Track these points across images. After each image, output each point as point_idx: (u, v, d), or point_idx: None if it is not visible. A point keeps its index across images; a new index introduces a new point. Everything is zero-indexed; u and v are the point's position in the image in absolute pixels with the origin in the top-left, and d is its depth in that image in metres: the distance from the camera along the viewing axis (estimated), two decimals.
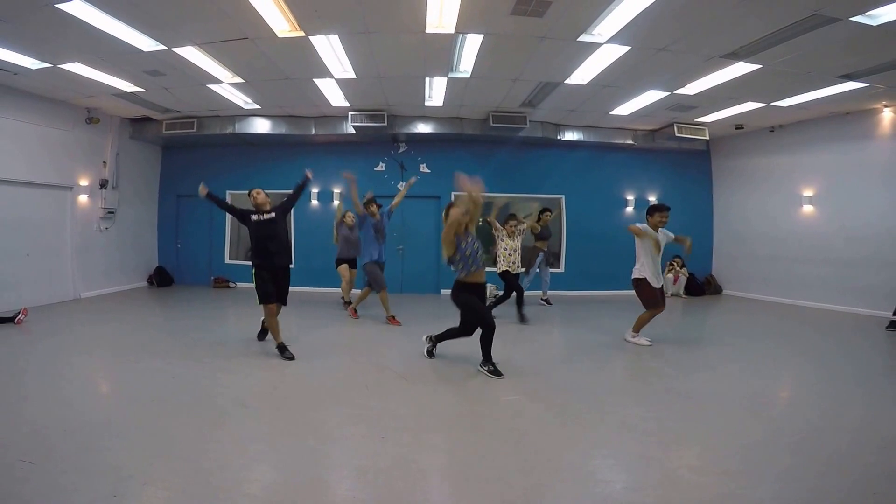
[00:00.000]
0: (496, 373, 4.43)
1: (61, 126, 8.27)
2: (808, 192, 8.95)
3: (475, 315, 4.56)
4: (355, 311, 7.30)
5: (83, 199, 8.78)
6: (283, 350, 4.99)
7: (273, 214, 5.13)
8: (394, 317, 6.89)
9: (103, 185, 9.13)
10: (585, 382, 4.42)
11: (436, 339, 5.04)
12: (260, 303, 5.04)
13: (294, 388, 4.21)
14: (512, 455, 2.94)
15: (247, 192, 5.28)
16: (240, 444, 3.03)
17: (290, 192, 5.38)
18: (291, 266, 5.44)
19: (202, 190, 5.19)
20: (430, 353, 5.04)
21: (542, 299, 8.82)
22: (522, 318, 7.07)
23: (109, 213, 9.30)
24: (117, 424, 3.25)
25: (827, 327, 7.17)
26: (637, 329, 5.81)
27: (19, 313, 6.46)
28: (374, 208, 6.90)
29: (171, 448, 2.94)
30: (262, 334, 5.67)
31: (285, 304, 5.23)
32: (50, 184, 8.18)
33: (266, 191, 9.97)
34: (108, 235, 9.44)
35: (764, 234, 9.74)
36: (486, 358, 4.54)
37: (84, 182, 8.76)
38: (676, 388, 4.23)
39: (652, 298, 5.65)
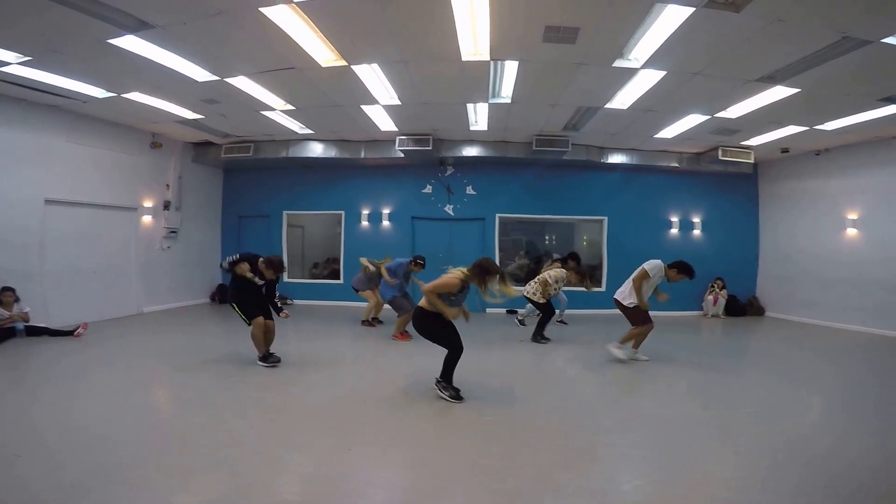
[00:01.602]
0: (457, 398, 4.37)
1: (128, 150, 8.78)
2: (852, 216, 8.93)
3: (445, 334, 4.48)
4: (402, 335, 7.33)
5: (147, 219, 9.27)
6: (266, 358, 5.50)
7: (262, 283, 5.54)
8: (402, 333, 7.28)
9: (166, 206, 9.60)
10: (589, 405, 4.51)
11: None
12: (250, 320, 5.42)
13: (335, 401, 4.40)
14: (504, 473, 3.03)
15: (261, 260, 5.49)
16: (264, 454, 3.22)
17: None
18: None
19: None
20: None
21: (558, 320, 8.87)
22: (543, 338, 7.29)
23: (172, 232, 9.75)
24: (117, 435, 3.47)
25: (869, 352, 7.09)
26: (638, 345, 6.08)
27: (78, 327, 6.89)
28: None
29: (187, 458, 3.14)
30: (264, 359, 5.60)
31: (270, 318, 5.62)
32: (117, 205, 8.69)
33: (316, 211, 10.06)
34: (171, 254, 9.89)
35: (807, 256, 9.72)
36: (447, 377, 4.49)
37: (148, 203, 9.25)
38: (665, 413, 4.28)
39: (646, 315, 6.00)
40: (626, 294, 6.04)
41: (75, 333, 6.77)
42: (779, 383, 5.23)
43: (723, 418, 4.12)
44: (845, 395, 4.91)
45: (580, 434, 3.72)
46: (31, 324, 6.66)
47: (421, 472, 3.09)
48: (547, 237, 11.22)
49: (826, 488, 2.88)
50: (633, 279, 5.97)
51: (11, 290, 6.56)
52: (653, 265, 5.91)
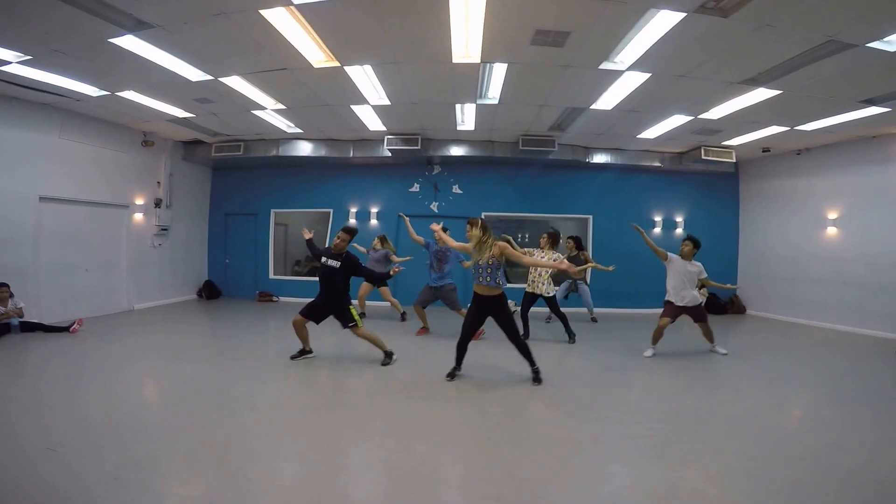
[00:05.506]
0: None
1: (119, 148, 8.84)
2: (832, 215, 9.06)
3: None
4: (424, 329, 7.77)
5: (138, 217, 9.36)
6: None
7: (337, 264, 5.59)
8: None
9: (157, 204, 9.70)
10: (596, 397, 4.69)
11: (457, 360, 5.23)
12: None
13: (324, 394, 4.58)
14: (519, 459, 3.20)
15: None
16: (270, 443, 3.38)
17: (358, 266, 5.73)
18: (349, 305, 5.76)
19: (306, 234, 6.01)
20: (451, 374, 5.17)
21: (590, 318, 9.25)
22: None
23: (163, 230, 9.86)
24: (152, 424, 3.63)
25: (844, 349, 7.21)
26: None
27: (74, 323, 6.99)
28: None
29: (205, 446, 3.29)
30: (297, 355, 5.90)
31: (316, 322, 5.75)
32: (108, 203, 8.76)
33: (304, 209, 10.24)
34: (161, 251, 9.99)
35: (787, 255, 9.87)
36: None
37: (139, 201, 9.34)
38: (683, 405, 4.45)
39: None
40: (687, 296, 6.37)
41: (71, 329, 6.85)
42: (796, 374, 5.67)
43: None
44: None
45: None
46: (24, 319, 6.73)
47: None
48: (520, 235, 11.25)
49: None
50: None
51: (6, 285, 6.62)
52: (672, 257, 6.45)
